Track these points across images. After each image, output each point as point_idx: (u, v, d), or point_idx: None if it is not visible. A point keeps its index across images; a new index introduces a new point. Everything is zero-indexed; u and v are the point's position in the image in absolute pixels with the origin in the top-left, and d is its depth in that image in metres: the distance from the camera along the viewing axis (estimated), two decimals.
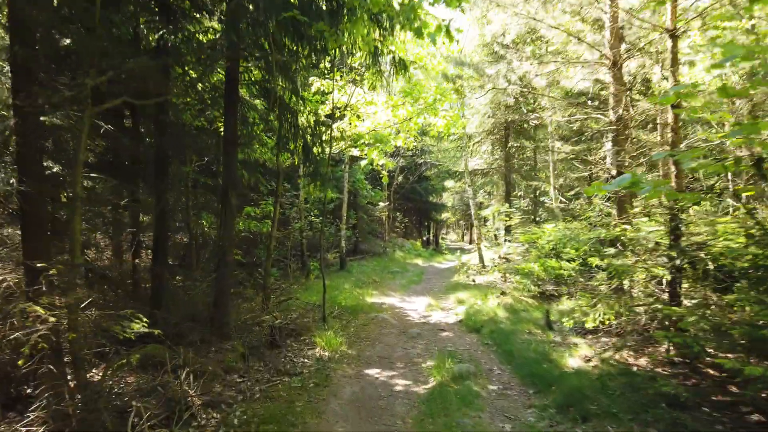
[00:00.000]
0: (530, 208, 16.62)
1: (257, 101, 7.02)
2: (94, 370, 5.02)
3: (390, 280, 14.81)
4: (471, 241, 58.05)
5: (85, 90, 4.07)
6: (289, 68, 5.74)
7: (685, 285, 5.26)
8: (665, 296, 5.57)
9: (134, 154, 7.23)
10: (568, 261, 9.74)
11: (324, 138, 7.81)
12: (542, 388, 5.10)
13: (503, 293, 9.82)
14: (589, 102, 10.01)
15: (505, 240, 15.22)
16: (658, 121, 9.43)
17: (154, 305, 6.68)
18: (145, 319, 4.04)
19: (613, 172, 7.43)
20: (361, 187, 18.58)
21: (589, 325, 5.56)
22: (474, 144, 17.23)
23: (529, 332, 7.17)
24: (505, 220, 13.25)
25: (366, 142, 10.92)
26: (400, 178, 28.61)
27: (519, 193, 17.00)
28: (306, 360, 6.50)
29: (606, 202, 9.98)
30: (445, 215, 45.82)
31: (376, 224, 23.88)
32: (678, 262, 4.88)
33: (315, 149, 6.48)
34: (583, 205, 17.15)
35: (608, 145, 10.06)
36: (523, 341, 6.70)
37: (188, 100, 7.17)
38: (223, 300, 6.28)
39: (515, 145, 16.54)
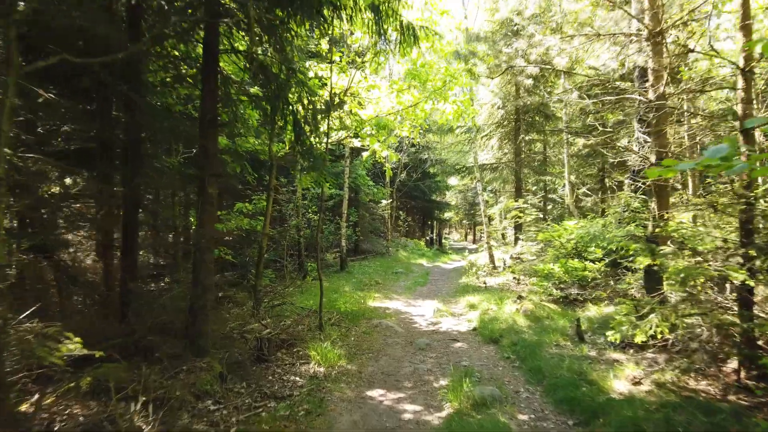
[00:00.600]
0: (541, 204, 15.63)
1: (245, 76, 6.05)
2: (32, 399, 4.06)
3: (394, 282, 13.84)
4: (474, 240, 56.97)
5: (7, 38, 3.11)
6: (276, 29, 4.77)
7: (761, 291, 4.27)
8: (728, 304, 4.59)
9: (106, 141, 6.28)
10: (593, 261, 8.76)
11: (319, 117, 6.86)
12: (585, 419, 4.13)
13: (520, 297, 8.83)
14: (618, 83, 9.03)
15: (516, 238, 14.23)
16: (700, 102, 8.45)
17: (122, 314, 5.75)
18: (77, 339, 3.07)
19: (652, 159, 6.44)
20: (363, 184, 17.62)
21: (639, 338, 4.57)
22: (483, 137, 16.24)
23: (557, 344, 6.18)
24: (519, 217, 12.28)
25: (368, 131, 9.97)
26: (403, 176, 27.67)
27: (533, 188, 15.99)
28: (298, 378, 5.54)
29: (634, 194, 8.99)
30: (448, 214, 44.87)
31: (379, 223, 22.92)
32: (759, 263, 3.90)
33: (307, 128, 5.51)
34: (607, 199, 16.17)
35: (639, 133, 9.06)
36: (552, 356, 5.71)
37: (166, 77, 6.20)
38: (200, 307, 5.31)
39: (526, 138, 15.54)
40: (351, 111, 9.74)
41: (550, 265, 9.03)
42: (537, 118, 15.01)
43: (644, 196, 8.63)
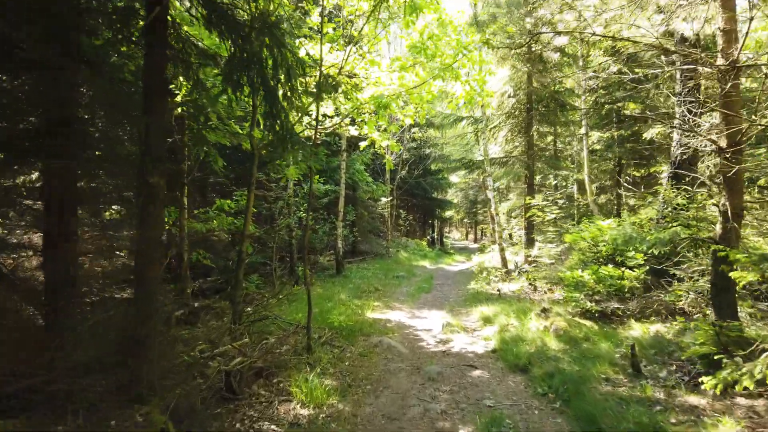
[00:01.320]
0: (560, 202, 14.32)
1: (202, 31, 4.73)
2: None
3: (395, 288, 12.51)
4: (476, 240, 55.59)
5: None
6: None
7: None
8: None
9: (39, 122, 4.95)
10: (630, 268, 7.44)
11: (308, 100, 5.53)
12: None
13: (545, 311, 7.52)
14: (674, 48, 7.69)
15: (531, 239, 12.91)
16: None
17: (49, 340, 4.43)
18: None
19: (723, 143, 5.12)
20: (361, 180, 16.29)
21: (744, 385, 3.26)
22: (491, 129, 14.93)
23: (607, 378, 4.86)
24: (538, 216, 10.95)
25: (366, 116, 8.67)
26: (403, 172, 26.38)
27: (547, 184, 14.67)
28: (274, 427, 4.23)
29: (678, 188, 7.68)
30: (448, 213, 43.51)
31: (378, 222, 21.60)
32: None
33: (286, 103, 4.19)
34: (623, 196, 14.86)
35: (684, 113, 7.74)
36: (605, 396, 4.40)
37: (107, 34, 4.85)
38: (139, 340, 3.98)
39: (540, 129, 14.24)
40: (346, 94, 8.42)
41: (578, 272, 7.71)
42: (552, 106, 13.69)
43: (687, 189, 7.33)
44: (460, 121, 14.98)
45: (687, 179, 7.72)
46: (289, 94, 4.26)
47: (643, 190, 16.61)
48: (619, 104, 15.34)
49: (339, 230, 14.16)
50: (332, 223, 14.14)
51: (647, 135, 11.24)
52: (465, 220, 54.20)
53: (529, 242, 13.96)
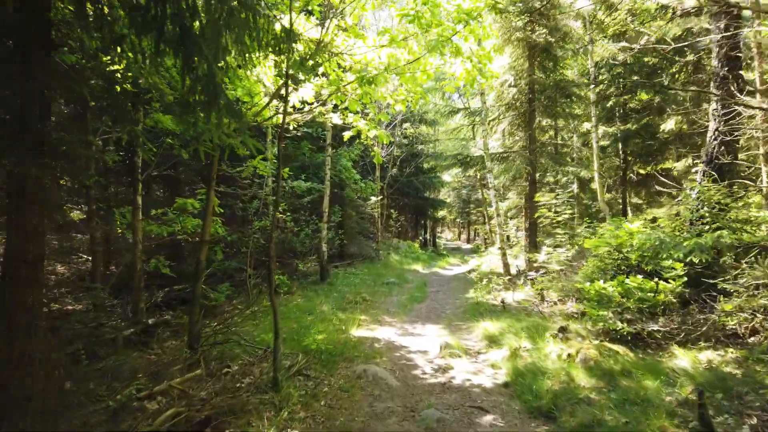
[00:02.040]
0: (571, 200, 13.19)
1: None
2: None
3: (385, 297, 11.24)
4: (468, 240, 54.54)
5: None
6: None
7: None
8: None
9: None
10: (666, 280, 6.25)
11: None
12: None
13: (564, 330, 6.29)
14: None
15: (536, 243, 11.70)
16: None
17: None
18: None
19: None
20: (349, 177, 14.99)
21: None
22: (490, 122, 13.74)
23: None
24: (547, 217, 9.72)
25: (350, 96, 7.40)
26: (394, 170, 25.13)
27: (555, 181, 13.49)
28: None
29: (714, 183, 6.50)
30: (441, 213, 42.31)
31: (367, 223, 20.32)
32: None
33: (232, 60, 2.89)
34: (631, 195, 13.78)
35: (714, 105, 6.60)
36: None
37: None
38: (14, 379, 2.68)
39: (542, 122, 13.07)
40: (327, 75, 7.15)
41: (600, 283, 6.49)
42: (556, 97, 12.50)
43: (732, 183, 6.16)
44: (455, 114, 13.75)
45: (723, 173, 6.57)
46: (227, 42, 2.95)
47: (655, 188, 15.47)
48: (626, 97, 14.23)
49: (323, 232, 12.85)
50: (315, 224, 12.83)
51: (666, 126, 10.11)
52: (458, 220, 53.13)
53: (532, 245, 12.77)
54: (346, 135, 8.18)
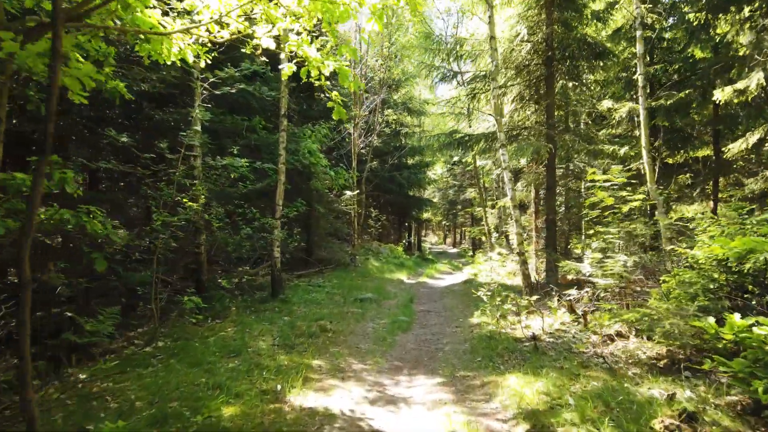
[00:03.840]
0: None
1: None
2: None
3: (356, 322, 8.00)
4: (455, 244, 51.46)
5: None
6: None
7: None
8: None
9: None
10: None
11: None
12: None
13: (691, 417, 3.16)
14: None
15: (549, 243, 8.59)
16: None
17: None
18: None
19: None
20: (315, 163, 11.75)
21: None
22: (495, 90, 10.69)
23: None
24: (616, 206, 6.43)
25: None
26: (374, 163, 21.99)
27: (592, 162, 10.40)
28: None
29: None
30: (426, 215, 39.19)
31: (341, 222, 17.10)
32: None
33: None
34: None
35: None
36: None
37: None
38: None
39: (566, 85, 10.07)
40: None
41: (737, 318, 3.43)
42: (584, 58, 9.52)
43: None
44: (451, 79, 10.61)
45: None
46: None
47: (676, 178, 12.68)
48: (657, 67, 11.35)
49: (276, 232, 9.57)
50: (263, 221, 9.48)
51: (750, 84, 7.16)
52: (443, 222, 50.08)
53: (551, 247, 9.74)
54: (286, 71, 5.05)
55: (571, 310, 6.61)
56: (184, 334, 6.84)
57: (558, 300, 7.04)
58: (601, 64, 9.86)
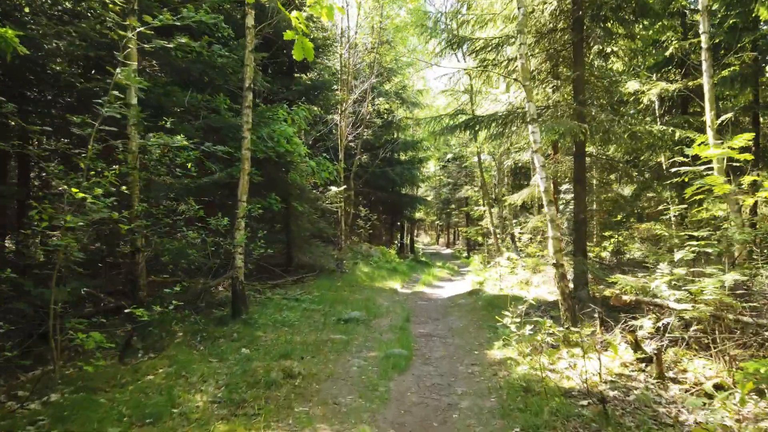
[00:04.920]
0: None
1: None
2: None
3: (335, 359, 5.99)
4: (448, 245, 49.53)
5: None
6: None
7: None
8: None
9: None
10: None
11: None
12: None
13: None
14: None
15: (578, 246, 6.66)
16: None
17: None
18: None
19: None
20: (291, 150, 9.74)
21: None
22: (506, 63, 8.80)
23: None
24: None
25: None
26: (364, 157, 20.04)
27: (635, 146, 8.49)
28: None
29: None
30: (419, 214, 37.35)
31: (327, 223, 15.10)
32: None
33: None
34: None
35: None
36: None
37: None
38: None
39: (604, 50, 8.15)
40: None
41: None
42: (619, 20, 7.65)
43: None
44: (457, 47, 8.59)
45: None
46: None
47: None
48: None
49: (237, 235, 7.55)
50: (219, 223, 7.41)
51: None
52: (437, 222, 48.16)
53: (579, 252, 7.86)
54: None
55: (636, 346, 4.71)
56: (91, 380, 4.82)
57: (600, 324, 5.11)
58: (646, 23, 7.98)
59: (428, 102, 25.82)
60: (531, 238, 13.30)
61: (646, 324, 4.59)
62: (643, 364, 4.68)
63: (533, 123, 5.68)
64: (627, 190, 13.76)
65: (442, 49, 8.54)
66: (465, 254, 32.62)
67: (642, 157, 12.41)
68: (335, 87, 14.81)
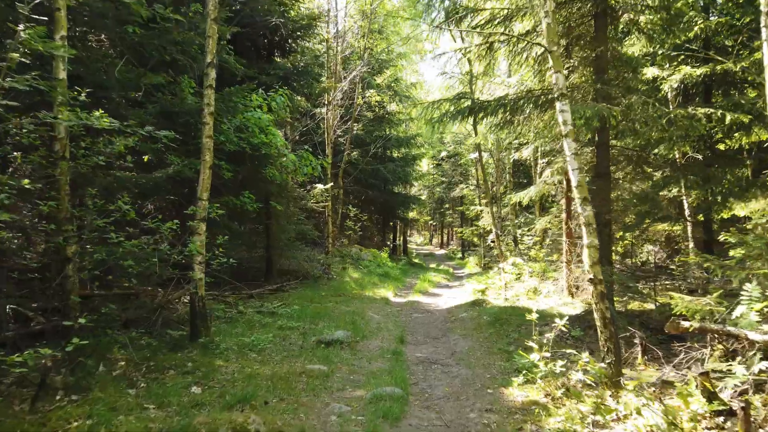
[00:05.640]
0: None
1: None
2: None
3: (308, 403, 4.69)
4: (442, 245, 48.28)
5: None
6: None
7: None
8: None
9: None
10: None
11: None
12: None
13: None
14: None
15: (602, 256, 5.45)
16: None
17: None
18: None
19: None
20: (267, 141, 8.44)
21: None
22: (513, 42, 7.60)
23: None
24: None
25: None
26: (354, 154, 18.75)
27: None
28: None
29: None
30: (412, 214, 36.18)
31: (314, 224, 13.81)
32: None
33: None
34: None
35: None
36: None
37: None
38: None
39: (636, 18, 6.98)
40: None
41: None
42: None
43: None
44: (461, 19, 7.33)
45: None
46: None
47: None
48: None
49: (196, 239, 6.23)
50: (172, 225, 6.08)
51: None
52: (430, 222, 46.90)
53: (602, 260, 6.63)
54: None
55: (711, 395, 3.48)
56: None
57: (641, 353, 3.88)
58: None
59: (422, 96, 24.61)
60: (536, 242, 12.09)
61: (739, 371, 3.38)
62: (721, 419, 3.46)
63: (563, 99, 4.46)
64: (634, 187, 12.64)
65: (441, 21, 7.27)
66: (459, 255, 31.45)
67: (656, 150, 11.30)
68: (321, 73, 13.51)
